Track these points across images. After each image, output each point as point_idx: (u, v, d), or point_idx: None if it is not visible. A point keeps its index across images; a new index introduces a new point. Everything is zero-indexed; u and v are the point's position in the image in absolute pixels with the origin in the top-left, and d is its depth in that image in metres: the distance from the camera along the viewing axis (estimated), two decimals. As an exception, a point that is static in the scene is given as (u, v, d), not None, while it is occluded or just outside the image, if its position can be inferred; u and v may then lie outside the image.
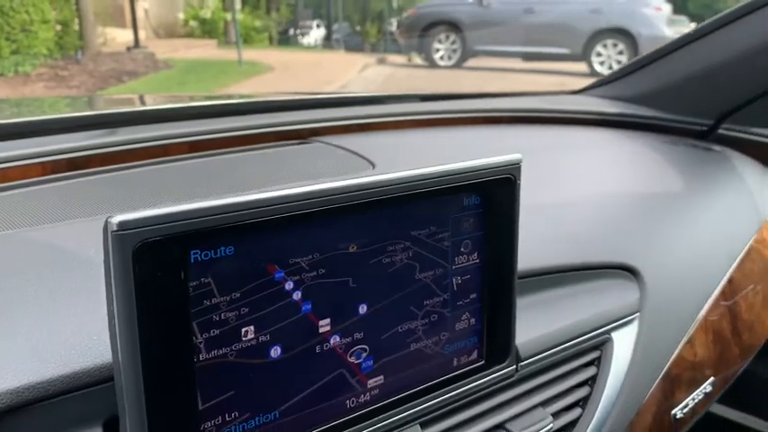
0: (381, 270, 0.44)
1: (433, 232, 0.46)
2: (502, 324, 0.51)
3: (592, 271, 0.64)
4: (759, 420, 1.17)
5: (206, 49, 10.46)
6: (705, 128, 1.11)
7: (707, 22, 1.07)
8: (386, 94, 1.13)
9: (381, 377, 0.45)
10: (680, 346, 0.66)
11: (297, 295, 0.40)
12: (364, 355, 0.44)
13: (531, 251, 0.62)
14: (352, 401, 0.44)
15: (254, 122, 0.85)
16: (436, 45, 10.02)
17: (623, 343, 0.61)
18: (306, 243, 0.40)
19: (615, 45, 8.39)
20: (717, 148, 1.08)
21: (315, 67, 9.62)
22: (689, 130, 1.11)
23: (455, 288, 0.48)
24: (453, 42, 9.95)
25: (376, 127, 0.95)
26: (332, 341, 0.42)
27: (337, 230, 0.41)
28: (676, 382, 0.65)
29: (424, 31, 10.08)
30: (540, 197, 0.74)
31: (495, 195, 0.48)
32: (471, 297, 0.49)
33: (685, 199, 0.85)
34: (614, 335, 0.60)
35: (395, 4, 16.13)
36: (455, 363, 0.49)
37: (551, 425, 0.53)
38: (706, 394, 0.69)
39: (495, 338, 0.51)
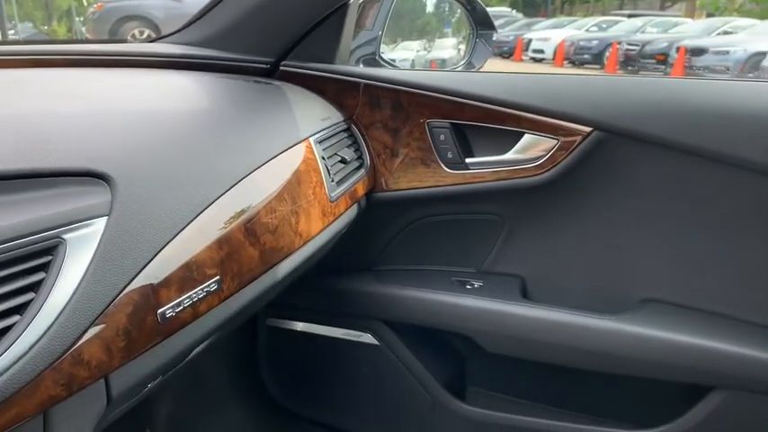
0: None
1: None
2: None
3: (56, 178, 0.61)
4: (350, 331, 1.28)
5: None
6: (268, 66, 1.17)
7: None
8: None
9: None
10: (164, 248, 0.66)
11: None
12: None
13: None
14: None
15: None
16: (131, 40, 9.48)
17: (83, 246, 0.59)
18: None
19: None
20: (276, 83, 1.14)
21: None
22: (255, 69, 1.16)
23: None
24: (148, 37, 9.50)
25: None
26: None
27: None
28: (161, 283, 0.65)
29: (114, 26, 9.46)
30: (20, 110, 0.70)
31: None
32: None
33: (206, 119, 0.87)
34: (69, 237, 0.58)
35: (85, 1, 14.89)
36: None
37: None
38: (210, 292, 0.71)
39: None
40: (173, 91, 0.97)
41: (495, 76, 1.18)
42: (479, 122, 1.13)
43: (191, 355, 0.81)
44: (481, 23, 1.45)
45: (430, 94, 1.14)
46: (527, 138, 1.10)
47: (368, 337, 1.26)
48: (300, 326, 1.34)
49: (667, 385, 1.11)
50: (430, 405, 1.24)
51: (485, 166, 1.14)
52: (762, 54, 11.06)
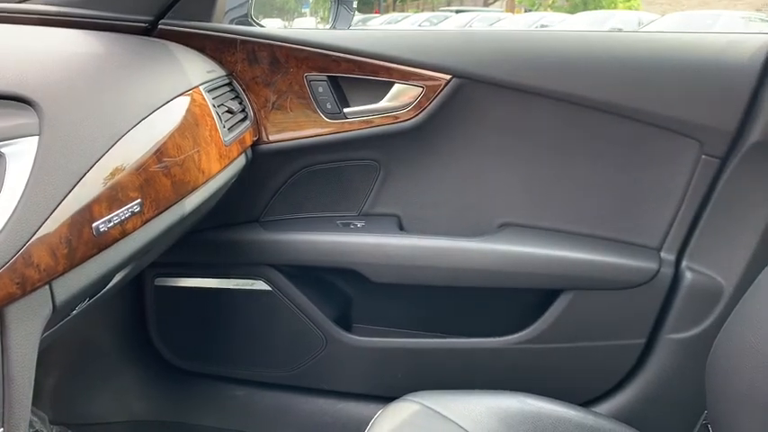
0: None
1: None
2: None
3: None
4: (242, 280, 1.35)
5: None
6: (147, 24, 1.20)
7: None
8: None
9: None
10: (91, 169, 0.70)
11: None
12: None
13: None
14: None
15: None
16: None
17: (21, 160, 0.63)
18: None
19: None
20: (156, 40, 1.18)
21: None
22: (134, 27, 1.19)
23: None
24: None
25: None
26: None
27: None
28: (93, 199, 0.70)
29: None
30: None
31: None
32: None
33: (104, 63, 0.91)
34: (7, 152, 0.61)
35: None
36: None
37: None
38: (134, 213, 0.76)
39: None
40: (63, 40, 0.99)
41: (366, 33, 1.30)
42: (354, 74, 1.24)
43: (112, 282, 0.85)
44: (342, -9, 1.56)
45: (307, 49, 1.23)
46: (397, 87, 1.24)
47: (260, 284, 1.34)
48: (190, 282, 1.38)
49: (525, 294, 1.30)
50: (322, 341, 1.34)
51: (361, 115, 1.26)
52: (573, 45, 12.27)
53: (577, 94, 1.20)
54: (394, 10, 31.34)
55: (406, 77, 1.23)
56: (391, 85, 1.24)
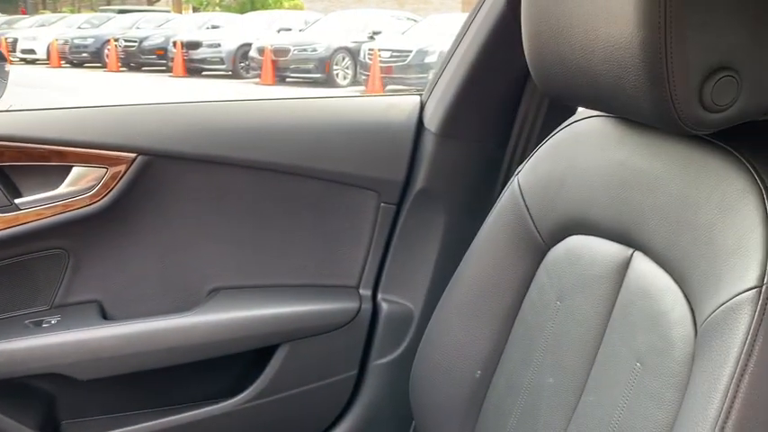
0: None
1: None
2: None
3: None
4: None
5: None
6: None
7: None
8: None
9: None
10: None
11: None
12: None
13: None
14: None
15: None
16: None
17: None
18: None
19: None
20: None
21: None
22: None
23: None
24: None
25: None
26: None
27: None
28: None
29: None
30: None
31: None
32: None
33: None
34: None
35: None
36: None
37: None
38: None
39: None
40: None
41: (32, 114, 1.18)
42: (22, 162, 1.12)
43: None
44: None
45: None
46: (76, 170, 1.15)
47: None
48: None
49: (247, 355, 1.33)
50: None
51: (37, 204, 1.14)
52: (248, 45, 12.50)
53: (265, 161, 1.26)
54: (45, 9, 28.25)
55: (85, 160, 1.15)
56: (70, 168, 1.15)
